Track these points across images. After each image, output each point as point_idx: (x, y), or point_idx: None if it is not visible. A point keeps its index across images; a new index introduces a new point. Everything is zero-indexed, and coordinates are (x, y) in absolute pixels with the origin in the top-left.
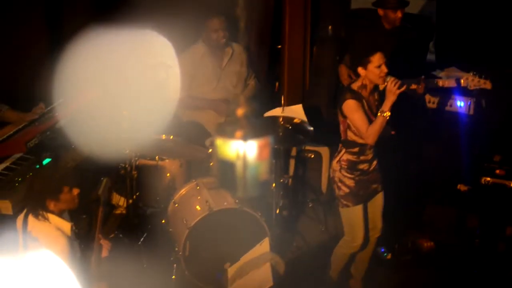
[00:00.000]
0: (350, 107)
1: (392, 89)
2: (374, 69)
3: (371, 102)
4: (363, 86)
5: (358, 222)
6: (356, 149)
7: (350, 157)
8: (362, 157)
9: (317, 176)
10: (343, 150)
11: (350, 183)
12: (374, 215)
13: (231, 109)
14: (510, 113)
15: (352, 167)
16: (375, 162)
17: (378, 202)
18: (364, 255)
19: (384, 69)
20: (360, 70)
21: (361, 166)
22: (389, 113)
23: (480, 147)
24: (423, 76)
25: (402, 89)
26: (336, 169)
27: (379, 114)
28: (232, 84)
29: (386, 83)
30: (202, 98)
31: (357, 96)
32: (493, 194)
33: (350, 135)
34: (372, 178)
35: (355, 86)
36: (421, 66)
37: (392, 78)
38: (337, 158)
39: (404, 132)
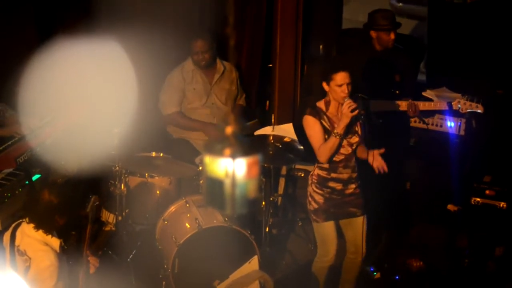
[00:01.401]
0: (306, 122)
1: (346, 111)
2: (335, 87)
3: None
4: (328, 102)
5: (329, 238)
6: (326, 165)
7: (320, 172)
8: (333, 175)
9: (306, 194)
10: (316, 165)
11: (319, 198)
12: (356, 239)
13: (221, 130)
14: (500, 133)
15: (321, 183)
16: (353, 186)
17: (358, 226)
18: (350, 276)
19: (345, 89)
20: (324, 85)
21: (332, 184)
22: (341, 134)
23: (471, 168)
24: (410, 100)
25: (355, 113)
26: (309, 183)
27: (332, 134)
28: (221, 101)
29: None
30: (193, 119)
31: (316, 112)
32: (482, 215)
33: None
34: (349, 201)
35: (320, 102)
36: (412, 87)
37: (349, 101)
38: (311, 173)
39: (394, 152)
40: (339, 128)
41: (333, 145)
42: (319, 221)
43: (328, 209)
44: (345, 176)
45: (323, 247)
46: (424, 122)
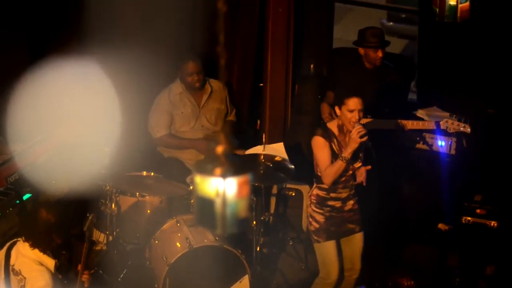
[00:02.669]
0: (316, 143)
1: (355, 137)
2: (346, 112)
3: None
4: (339, 125)
5: (331, 258)
6: (325, 186)
7: (319, 192)
8: (332, 194)
9: (297, 214)
10: (314, 185)
11: (320, 218)
12: (352, 255)
13: (212, 147)
14: (491, 153)
15: (321, 202)
16: (351, 202)
17: (356, 243)
18: None
19: (356, 115)
20: (337, 109)
21: (332, 203)
22: (348, 158)
23: (461, 187)
24: (398, 120)
25: (363, 139)
26: (308, 204)
27: (339, 158)
28: (211, 122)
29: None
30: (182, 138)
31: (327, 134)
32: (473, 234)
33: (318, 170)
34: (348, 218)
35: (332, 124)
36: (402, 106)
37: (358, 127)
38: (310, 193)
39: (384, 170)
40: (347, 153)
41: (339, 169)
42: (321, 241)
43: (328, 228)
44: (343, 195)
45: (325, 268)
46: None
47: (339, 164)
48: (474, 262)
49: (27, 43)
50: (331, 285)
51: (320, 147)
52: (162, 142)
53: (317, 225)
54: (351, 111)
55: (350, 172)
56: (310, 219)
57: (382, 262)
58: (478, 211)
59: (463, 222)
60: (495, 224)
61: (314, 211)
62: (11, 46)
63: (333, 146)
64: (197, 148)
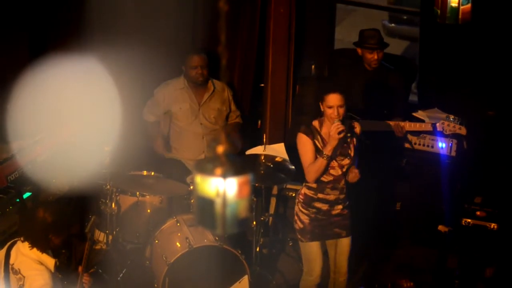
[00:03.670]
0: (299, 140)
1: (333, 134)
2: (326, 109)
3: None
4: (322, 122)
5: (314, 258)
6: (314, 185)
7: (307, 191)
8: (320, 195)
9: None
10: (304, 184)
11: (305, 219)
12: (338, 259)
13: (212, 146)
14: (491, 155)
15: (308, 202)
16: (340, 207)
17: (343, 247)
18: None
19: (335, 112)
20: (320, 105)
21: (318, 205)
22: (329, 156)
23: (461, 188)
24: (396, 121)
25: (341, 135)
26: (296, 203)
27: (320, 155)
28: (210, 121)
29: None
30: (154, 132)
31: (310, 130)
32: (473, 236)
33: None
34: (335, 222)
35: (317, 121)
36: (402, 107)
37: (337, 123)
38: (298, 192)
39: (384, 171)
40: (327, 150)
41: (320, 166)
42: (304, 241)
43: (313, 230)
44: (332, 197)
45: (308, 265)
46: (409, 143)
47: (320, 162)
48: (474, 264)
49: (28, 41)
50: (315, 282)
51: (302, 144)
52: (146, 126)
53: (301, 225)
54: (330, 107)
55: (340, 172)
56: (296, 218)
57: (382, 263)
58: (478, 213)
59: (463, 224)
60: (495, 227)
61: (300, 210)
62: (12, 44)
63: (317, 143)
64: (153, 144)
